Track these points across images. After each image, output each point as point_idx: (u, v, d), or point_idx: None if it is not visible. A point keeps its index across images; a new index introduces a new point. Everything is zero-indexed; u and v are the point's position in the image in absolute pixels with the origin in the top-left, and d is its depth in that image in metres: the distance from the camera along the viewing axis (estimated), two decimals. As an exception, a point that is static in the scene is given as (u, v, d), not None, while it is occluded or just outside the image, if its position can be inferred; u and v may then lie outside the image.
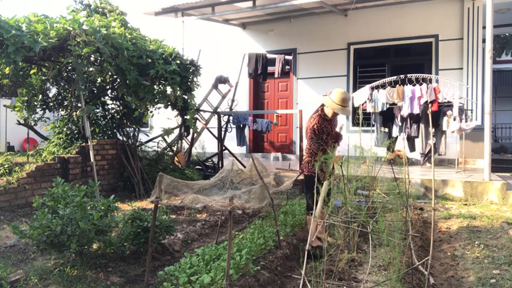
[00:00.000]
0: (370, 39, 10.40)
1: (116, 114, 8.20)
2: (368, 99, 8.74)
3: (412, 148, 8.99)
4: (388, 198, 5.17)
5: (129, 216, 4.20)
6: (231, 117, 9.91)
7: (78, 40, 5.66)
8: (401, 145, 8.83)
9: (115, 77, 7.50)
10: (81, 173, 6.81)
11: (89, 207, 3.77)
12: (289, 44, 11.39)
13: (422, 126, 8.60)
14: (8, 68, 6.86)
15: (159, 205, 3.51)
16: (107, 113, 8.17)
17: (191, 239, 4.77)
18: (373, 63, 10.54)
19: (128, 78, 6.47)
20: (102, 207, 3.83)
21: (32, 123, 7.96)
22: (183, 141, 9.23)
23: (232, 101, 10.31)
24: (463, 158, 8.54)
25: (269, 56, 11.06)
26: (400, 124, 8.68)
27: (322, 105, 4.66)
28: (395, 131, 8.89)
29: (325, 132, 4.57)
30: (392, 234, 3.42)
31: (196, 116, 8.93)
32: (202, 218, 5.75)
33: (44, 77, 7.41)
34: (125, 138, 7.89)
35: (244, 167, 5.39)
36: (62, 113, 8.08)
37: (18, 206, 5.80)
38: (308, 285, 2.86)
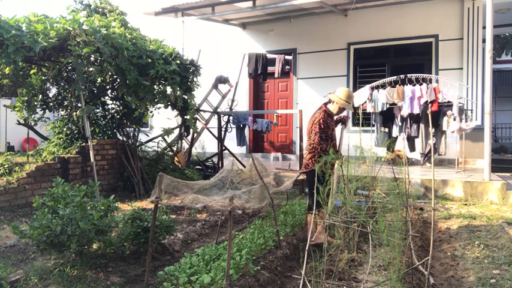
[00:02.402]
0: (370, 39, 10.40)
1: (116, 114, 8.20)
2: (368, 99, 8.74)
3: (412, 148, 8.99)
4: (388, 198, 5.17)
5: (129, 216, 4.20)
6: (231, 117, 9.91)
7: (78, 40, 5.66)
8: (401, 145, 8.83)
9: (115, 77, 7.49)
10: (81, 173, 6.81)
11: (89, 207, 3.77)
12: (289, 44, 11.39)
13: (422, 126, 8.60)
14: (8, 68, 6.86)
15: (159, 205, 3.51)
16: (107, 113, 8.17)
17: (191, 239, 4.77)
18: (373, 63, 10.53)
19: (128, 78, 6.47)
20: (102, 207, 3.83)
21: (32, 123, 7.96)
22: (183, 141, 9.23)
23: (232, 101, 10.31)
24: (463, 158, 8.54)
25: (269, 56, 11.06)
26: (400, 124, 8.68)
27: (325, 104, 4.85)
28: (395, 131, 8.89)
29: (330, 127, 4.74)
30: (392, 234, 3.42)
31: (196, 116, 8.93)
32: (202, 218, 5.75)
33: (44, 77, 7.41)
34: (124, 138, 7.89)
35: (244, 167, 5.38)
36: (62, 113, 8.08)
37: (18, 206, 5.80)
38: (308, 285, 2.86)
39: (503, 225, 5.20)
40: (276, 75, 10.93)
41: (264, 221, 5.15)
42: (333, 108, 4.79)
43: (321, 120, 4.68)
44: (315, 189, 4.31)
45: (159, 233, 4.13)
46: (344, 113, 5.65)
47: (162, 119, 9.45)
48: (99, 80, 7.84)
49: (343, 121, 5.07)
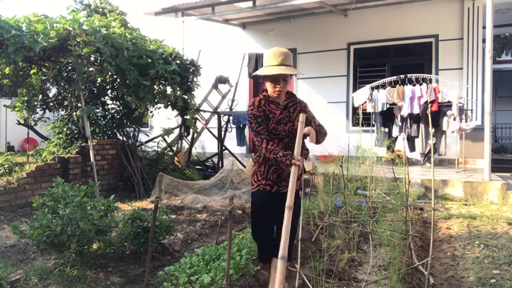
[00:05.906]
0: (370, 39, 10.40)
1: (116, 114, 8.19)
2: (368, 99, 8.74)
3: (412, 148, 8.98)
4: (388, 198, 5.18)
5: (129, 216, 4.20)
6: (231, 117, 9.90)
7: (78, 40, 5.66)
8: (401, 145, 8.83)
9: (115, 77, 7.49)
10: (81, 173, 6.81)
11: (89, 207, 3.77)
12: (289, 44, 11.38)
13: (422, 126, 8.59)
14: (8, 68, 6.86)
15: (159, 205, 3.51)
16: (107, 113, 8.17)
17: (191, 239, 4.77)
18: (373, 63, 10.53)
19: (128, 78, 6.47)
20: (102, 207, 3.83)
21: (32, 123, 7.96)
22: (183, 141, 9.23)
23: (232, 101, 10.31)
24: (463, 158, 8.54)
25: (269, 56, 11.04)
26: (400, 124, 8.68)
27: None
28: (395, 131, 8.89)
29: (271, 119, 2.96)
30: (392, 234, 3.42)
31: (196, 116, 8.92)
32: (202, 218, 5.74)
33: (44, 77, 7.41)
34: (124, 138, 7.88)
35: (244, 167, 5.39)
36: (62, 113, 8.08)
37: (18, 206, 5.80)
38: (309, 285, 2.86)
39: (503, 225, 5.20)
40: (276, 75, 10.91)
41: (264, 221, 5.14)
42: (269, 89, 2.99)
43: (248, 112, 2.97)
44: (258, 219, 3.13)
45: (159, 233, 4.13)
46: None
47: (162, 119, 9.44)
48: (99, 80, 7.84)
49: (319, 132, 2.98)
